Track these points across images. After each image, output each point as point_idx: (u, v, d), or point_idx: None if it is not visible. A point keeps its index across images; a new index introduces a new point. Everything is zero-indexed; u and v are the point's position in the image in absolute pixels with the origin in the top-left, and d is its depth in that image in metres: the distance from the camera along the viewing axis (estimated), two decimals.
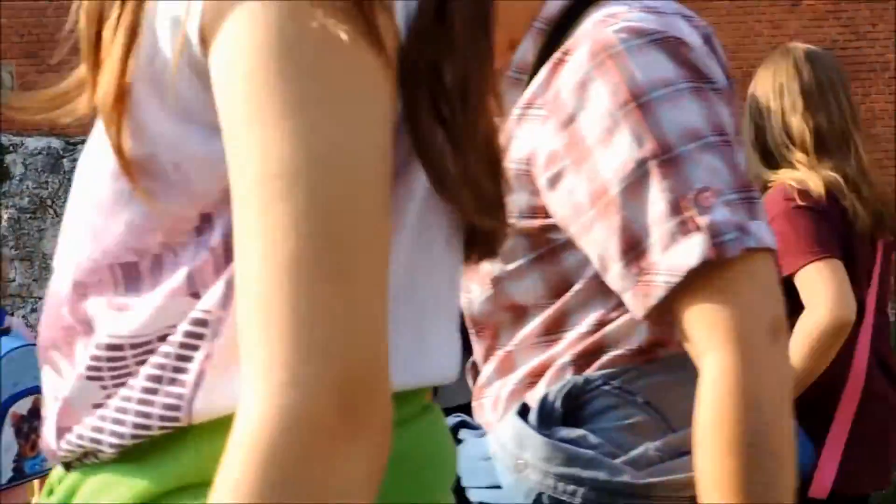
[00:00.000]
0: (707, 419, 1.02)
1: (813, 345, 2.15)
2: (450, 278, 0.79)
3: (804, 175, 2.27)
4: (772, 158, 2.34)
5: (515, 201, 1.10)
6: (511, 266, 1.14)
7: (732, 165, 1.06)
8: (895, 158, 10.53)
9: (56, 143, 10.20)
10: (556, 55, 1.12)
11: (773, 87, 2.34)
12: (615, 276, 1.06)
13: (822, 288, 2.15)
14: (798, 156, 2.30)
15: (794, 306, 2.16)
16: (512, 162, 1.11)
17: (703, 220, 1.01)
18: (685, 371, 1.11)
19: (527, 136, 1.11)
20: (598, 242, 1.07)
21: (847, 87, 2.42)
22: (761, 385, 1.01)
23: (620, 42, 1.07)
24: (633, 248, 1.04)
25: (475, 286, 1.18)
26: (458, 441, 1.21)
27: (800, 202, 2.24)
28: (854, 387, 2.27)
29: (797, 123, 2.30)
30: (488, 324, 1.19)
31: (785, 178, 2.29)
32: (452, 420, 1.24)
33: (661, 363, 1.11)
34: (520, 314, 1.15)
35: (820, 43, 10.60)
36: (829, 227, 2.24)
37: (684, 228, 1.02)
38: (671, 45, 1.08)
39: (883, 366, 2.35)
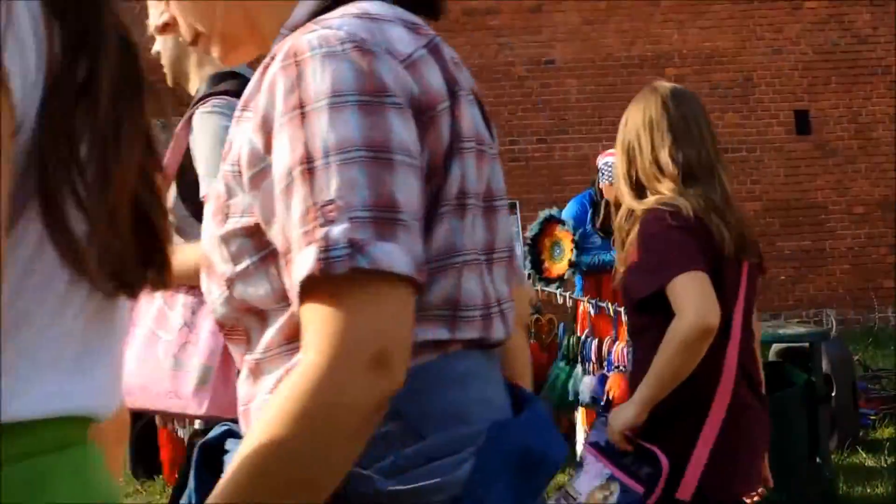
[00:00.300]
0: (267, 407, 1.01)
1: (678, 346, 2.30)
2: (78, 315, 0.85)
3: (671, 199, 2.42)
4: (642, 189, 2.50)
5: (238, 202, 1.12)
6: (239, 267, 1.13)
7: (378, 183, 1.03)
8: (895, 162, 10.53)
9: None
10: (267, 58, 1.14)
11: (644, 123, 2.50)
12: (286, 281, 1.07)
13: (688, 296, 2.30)
14: (667, 185, 2.45)
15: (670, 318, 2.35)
16: (228, 164, 1.13)
17: (320, 233, 1.00)
18: (437, 379, 1.12)
19: (239, 136, 1.13)
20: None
21: (709, 123, 2.57)
22: (329, 404, 0.98)
23: (308, 49, 1.07)
24: (286, 254, 1.05)
25: (214, 288, 1.17)
26: (225, 451, 1.20)
27: (671, 221, 2.38)
28: (722, 398, 2.40)
29: (665, 157, 2.46)
30: (237, 328, 1.19)
31: (654, 202, 2.44)
32: (219, 429, 1.24)
33: (411, 372, 1.07)
34: (262, 318, 1.15)
35: (821, 46, 10.63)
36: (698, 244, 2.38)
37: (306, 239, 1.01)
38: (355, 56, 1.07)
39: (748, 378, 2.49)
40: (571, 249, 5.27)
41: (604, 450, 2.46)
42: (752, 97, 10.60)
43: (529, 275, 5.47)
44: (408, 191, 1.05)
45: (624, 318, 5.09)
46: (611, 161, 5.36)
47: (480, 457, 1.08)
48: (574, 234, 5.28)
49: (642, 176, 2.49)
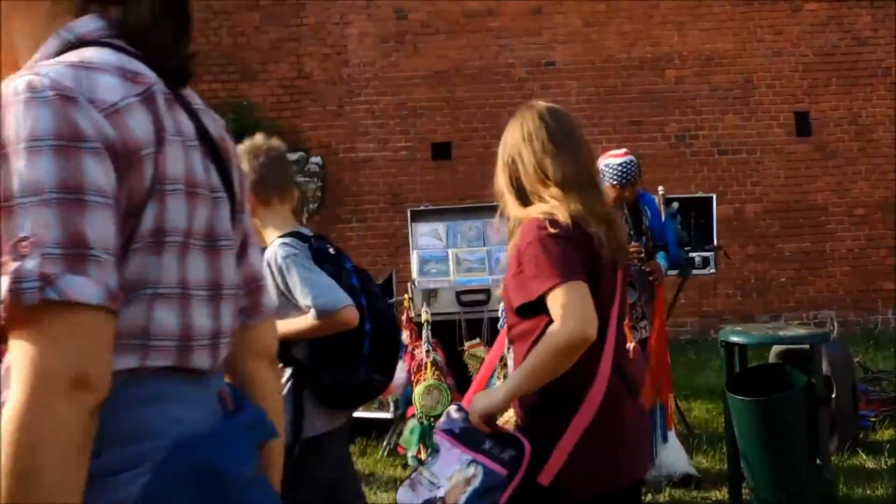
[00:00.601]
0: None
1: (554, 352, 2.40)
2: None
3: (552, 208, 2.52)
4: (527, 198, 2.60)
5: None
6: None
7: (69, 222, 1.14)
8: (895, 164, 10.53)
9: None
10: None
11: (523, 136, 2.61)
12: None
13: (569, 306, 2.40)
14: (553, 191, 2.55)
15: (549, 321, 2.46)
16: None
17: (11, 266, 1.12)
18: (123, 400, 1.22)
19: None
20: None
21: (584, 137, 2.70)
22: (34, 433, 1.09)
23: (14, 94, 1.18)
24: None
25: None
26: None
27: (551, 230, 2.48)
28: (596, 393, 2.49)
29: (550, 163, 2.57)
30: None
31: (535, 211, 2.55)
32: None
33: None
34: None
35: (821, 48, 10.63)
36: (578, 253, 2.47)
37: (1, 271, 1.13)
38: (56, 102, 1.18)
39: (621, 375, 2.60)
40: None
41: (458, 437, 2.55)
42: (753, 99, 10.60)
43: None
44: (100, 228, 1.17)
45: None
46: (612, 162, 5.36)
47: (157, 472, 1.19)
48: None
49: (527, 184, 2.59)
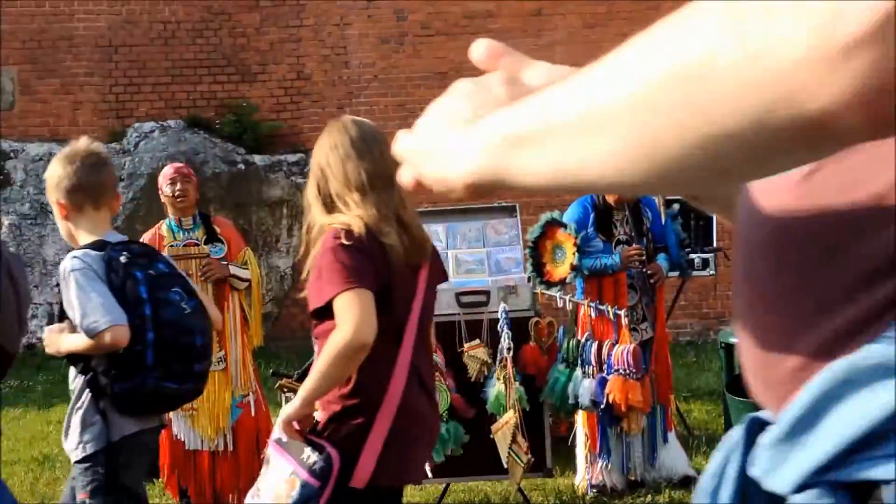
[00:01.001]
0: None
1: (335, 356, 2.59)
2: None
3: (349, 219, 2.71)
4: (331, 204, 2.78)
5: None
6: None
7: None
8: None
9: (57, 149, 10.23)
10: None
11: (329, 146, 2.81)
12: None
13: (350, 312, 2.59)
14: (354, 196, 2.74)
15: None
16: None
17: None
18: None
19: None
20: None
21: (387, 143, 2.78)
22: None
23: None
24: None
25: None
26: None
27: (345, 241, 2.67)
28: (393, 396, 2.69)
29: (352, 168, 2.76)
30: None
31: (335, 221, 2.74)
32: None
33: None
34: None
35: None
36: (368, 262, 2.67)
37: None
38: None
39: (419, 379, 2.80)
40: (574, 253, 5.27)
41: (285, 446, 2.68)
42: None
43: (530, 277, 5.47)
44: None
45: (624, 321, 5.10)
46: None
47: None
48: (576, 238, 5.28)
49: (333, 190, 2.77)
